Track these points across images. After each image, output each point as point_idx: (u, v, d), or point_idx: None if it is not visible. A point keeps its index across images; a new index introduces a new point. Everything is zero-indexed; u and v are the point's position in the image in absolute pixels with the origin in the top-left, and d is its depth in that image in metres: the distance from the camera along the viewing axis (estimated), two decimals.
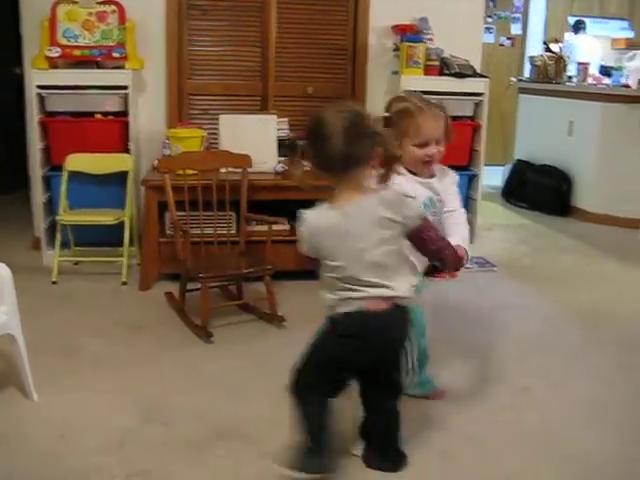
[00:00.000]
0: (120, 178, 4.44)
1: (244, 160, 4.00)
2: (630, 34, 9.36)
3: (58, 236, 4.36)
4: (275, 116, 4.59)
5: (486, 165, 5.09)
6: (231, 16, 4.97)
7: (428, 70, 4.84)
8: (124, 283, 4.27)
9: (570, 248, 5.54)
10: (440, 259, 2.39)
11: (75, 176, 4.41)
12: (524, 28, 9.34)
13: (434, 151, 2.61)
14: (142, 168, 4.73)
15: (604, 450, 2.59)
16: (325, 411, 2.31)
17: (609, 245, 5.59)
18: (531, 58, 7.70)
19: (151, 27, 4.77)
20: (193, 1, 4.89)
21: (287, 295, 3.90)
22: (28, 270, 4.42)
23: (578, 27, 8.95)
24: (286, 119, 4.69)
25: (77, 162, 4.40)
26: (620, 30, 9.39)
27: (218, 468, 2.41)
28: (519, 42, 9.35)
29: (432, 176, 2.69)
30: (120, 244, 4.35)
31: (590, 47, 8.74)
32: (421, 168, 2.65)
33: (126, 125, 4.55)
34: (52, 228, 4.55)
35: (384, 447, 2.45)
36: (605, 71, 7.71)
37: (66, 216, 4.37)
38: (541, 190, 6.74)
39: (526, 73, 8.32)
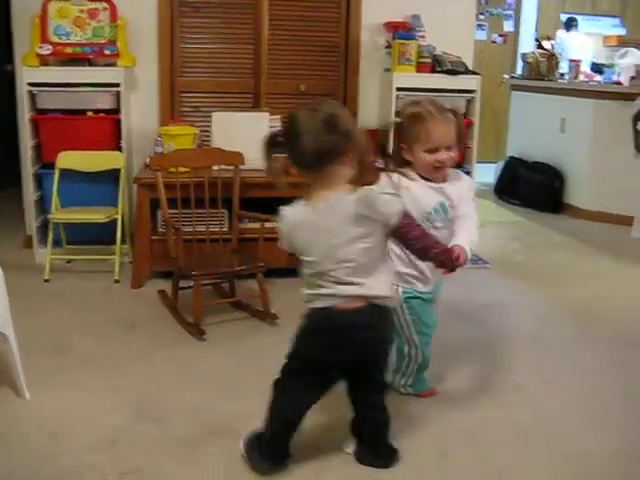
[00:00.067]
0: (112, 176, 4.43)
1: (236, 157, 3.99)
2: (622, 31, 9.39)
3: (50, 234, 4.34)
4: (267, 113, 4.57)
5: (478, 162, 5.10)
6: (223, 13, 4.96)
7: (420, 67, 4.84)
8: (116, 281, 4.26)
9: (563, 245, 5.55)
10: (429, 258, 2.39)
11: (67, 174, 4.40)
12: (516, 25, 9.35)
13: (445, 156, 2.59)
14: (134, 166, 4.73)
15: (598, 447, 2.60)
16: (295, 412, 2.34)
17: (602, 242, 5.60)
18: (523, 55, 7.72)
19: (143, 24, 4.76)
20: None
21: (280, 292, 3.90)
22: (20, 268, 4.41)
23: (570, 24, 8.98)
24: (278, 116, 4.67)
25: (68, 160, 4.39)
26: (612, 27, 9.42)
27: (211, 466, 2.40)
28: (511, 39, 9.37)
29: (445, 181, 2.66)
30: (112, 242, 4.34)
31: (582, 44, 8.77)
32: (433, 173, 2.63)
33: (118, 123, 4.54)
34: (44, 226, 4.54)
35: (375, 443, 2.46)
36: (597, 68, 7.73)
37: (58, 214, 4.36)
38: (533, 187, 6.75)
39: (518, 70, 8.33)
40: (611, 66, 7.05)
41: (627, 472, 2.47)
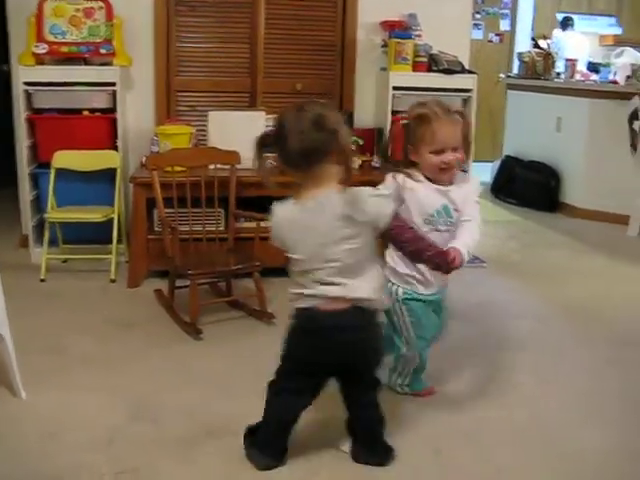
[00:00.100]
0: (108, 175, 4.43)
1: (232, 157, 3.98)
2: (618, 30, 9.40)
3: (46, 234, 4.33)
4: (264, 112, 4.57)
5: (475, 161, 5.07)
6: (219, 12, 4.95)
7: (416, 66, 4.85)
8: (113, 281, 4.25)
9: (559, 244, 5.56)
10: (422, 261, 2.39)
11: (63, 173, 4.39)
12: (513, 24, 9.36)
13: (450, 158, 2.56)
14: (130, 165, 4.72)
15: (595, 446, 2.60)
16: (289, 413, 2.36)
17: (598, 241, 5.61)
18: (519, 54, 7.72)
19: (139, 23, 4.75)
20: None
21: (276, 292, 3.89)
22: (16, 268, 4.41)
23: (566, 24, 8.98)
24: (275, 116, 4.66)
25: (64, 159, 4.38)
26: (608, 27, 9.43)
27: (207, 465, 2.40)
28: (507, 38, 9.37)
29: (451, 183, 2.63)
30: (108, 241, 4.33)
31: (578, 44, 8.77)
32: (438, 175, 2.60)
33: (114, 122, 4.53)
34: (40, 226, 4.53)
35: (369, 442, 2.46)
36: (593, 67, 7.74)
37: (54, 214, 4.35)
38: (530, 186, 6.76)
39: (514, 69, 8.34)
40: (607, 65, 7.07)
41: (624, 471, 2.47)
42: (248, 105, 5.04)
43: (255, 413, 2.41)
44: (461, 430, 2.68)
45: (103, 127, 4.54)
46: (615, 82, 6.61)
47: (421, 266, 2.60)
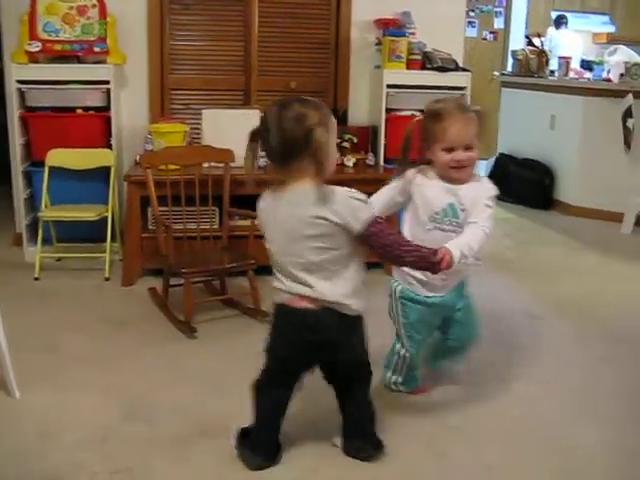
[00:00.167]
0: (102, 173, 4.42)
1: (226, 155, 3.98)
2: (611, 28, 9.42)
3: (40, 232, 4.32)
4: (258, 111, 4.55)
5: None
6: (213, 10, 4.95)
7: (410, 64, 4.84)
8: (107, 279, 4.25)
9: (553, 241, 5.57)
10: (405, 265, 2.36)
11: (57, 172, 4.38)
12: (507, 22, 9.36)
13: (462, 156, 2.52)
14: (124, 163, 4.71)
15: (589, 442, 2.61)
16: (275, 407, 2.39)
17: (592, 238, 5.62)
18: (513, 52, 7.73)
19: (132, 21, 4.74)
20: None
21: (270, 290, 3.84)
22: (10, 266, 4.41)
23: (560, 22, 9.00)
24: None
25: (58, 157, 4.37)
26: (601, 25, 9.46)
27: (202, 464, 2.40)
28: (502, 36, 9.38)
29: (463, 183, 2.58)
30: (103, 240, 4.33)
31: (572, 41, 8.79)
32: (450, 173, 2.56)
33: (108, 120, 4.52)
34: (34, 224, 4.52)
35: (358, 436, 2.46)
36: (586, 65, 7.76)
37: (48, 212, 4.34)
38: (524, 184, 6.76)
39: (508, 67, 8.35)
40: (600, 63, 7.08)
41: (618, 468, 2.48)
42: (242, 103, 5.04)
43: (249, 411, 2.41)
44: (456, 428, 2.68)
45: (97, 125, 4.53)
46: (609, 80, 6.63)
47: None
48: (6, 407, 2.74)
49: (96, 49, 4.46)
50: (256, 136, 2.25)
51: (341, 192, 2.16)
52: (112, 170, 4.41)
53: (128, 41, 4.70)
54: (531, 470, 2.45)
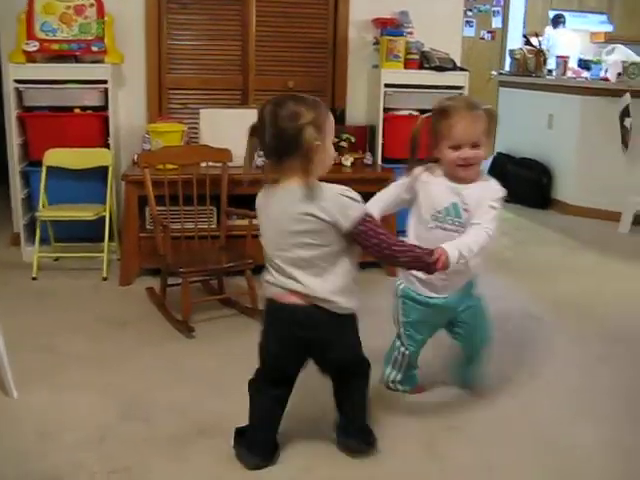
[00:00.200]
0: (100, 173, 4.42)
1: (224, 154, 3.98)
2: (609, 28, 9.43)
3: (38, 232, 4.32)
4: (256, 110, 4.54)
5: None
6: (211, 10, 4.95)
7: (408, 64, 4.85)
8: (104, 279, 4.24)
9: (551, 241, 5.57)
10: (398, 264, 2.33)
11: (54, 171, 4.38)
12: (504, 22, 9.37)
13: (469, 154, 2.48)
14: (122, 163, 4.71)
15: (586, 441, 2.61)
16: (270, 406, 2.40)
17: (589, 238, 5.62)
18: (511, 52, 7.73)
19: (130, 21, 4.74)
20: None
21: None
22: (7, 266, 4.41)
23: (557, 21, 9.01)
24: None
25: (56, 157, 4.37)
26: (599, 24, 9.46)
27: (199, 464, 2.40)
28: (499, 36, 9.39)
29: (469, 182, 2.54)
30: (100, 239, 4.32)
31: (569, 41, 8.79)
32: (457, 171, 2.52)
33: (106, 120, 4.52)
34: (32, 224, 4.52)
35: (350, 428, 2.48)
36: (584, 65, 7.76)
37: (45, 212, 4.33)
38: (521, 183, 6.76)
39: (506, 66, 8.35)
40: (598, 62, 7.08)
41: (615, 467, 2.48)
42: (240, 103, 5.04)
43: (247, 411, 2.41)
44: (453, 426, 2.68)
45: (95, 125, 4.52)
46: (606, 79, 6.63)
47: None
48: (4, 407, 2.74)
49: (94, 48, 4.46)
50: (254, 132, 2.26)
51: (331, 189, 2.16)
52: (110, 170, 4.41)
53: (126, 40, 4.70)
54: (529, 470, 2.45)
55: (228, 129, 4.28)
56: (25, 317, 3.62)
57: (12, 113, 4.43)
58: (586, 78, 7.10)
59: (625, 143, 5.92)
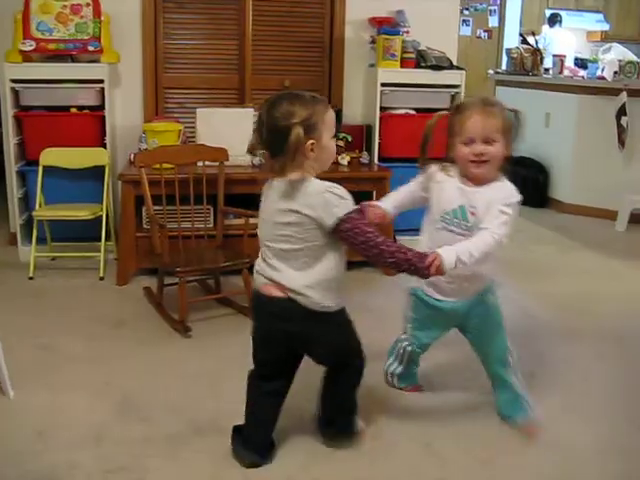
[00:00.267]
0: (97, 173, 4.41)
1: (221, 153, 3.98)
2: (605, 27, 9.45)
3: (34, 232, 4.31)
4: (252, 109, 4.57)
5: None
6: (207, 9, 4.95)
7: (404, 63, 4.85)
8: (101, 278, 4.24)
9: (548, 239, 5.58)
10: (387, 265, 2.27)
11: (51, 171, 4.38)
12: (501, 20, 9.37)
13: (480, 149, 2.39)
14: (119, 162, 4.71)
15: (583, 440, 2.62)
16: (264, 402, 2.42)
17: (586, 236, 5.63)
18: (508, 50, 7.74)
19: (126, 20, 4.74)
20: None
21: None
22: (4, 266, 4.41)
23: (554, 20, 9.02)
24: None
25: (52, 157, 4.37)
26: (595, 23, 9.48)
27: (195, 463, 2.40)
28: (496, 35, 9.39)
29: (482, 183, 2.45)
30: (97, 239, 4.32)
31: (566, 40, 8.81)
32: (469, 169, 2.44)
33: (102, 119, 4.51)
34: (28, 224, 4.52)
35: (331, 424, 2.53)
36: (581, 63, 7.77)
37: (42, 211, 4.33)
38: (518, 182, 6.73)
39: (503, 65, 8.36)
40: (595, 61, 7.09)
41: (611, 466, 2.48)
42: (237, 102, 5.04)
43: (244, 410, 2.41)
44: (450, 425, 2.69)
45: (91, 124, 4.52)
46: (603, 78, 6.64)
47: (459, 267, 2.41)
48: (0, 407, 2.74)
49: (90, 48, 4.45)
50: (256, 128, 2.29)
51: (319, 186, 2.18)
52: (106, 169, 4.41)
53: (122, 40, 4.70)
54: (528, 469, 2.46)
55: (225, 128, 4.31)
56: (22, 317, 3.62)
57: (8, 112, 4.42)
58: (583, 77, 7.12)
59: (621, 142, 5.93)
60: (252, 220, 3.83)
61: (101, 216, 4.32)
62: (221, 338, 3.46)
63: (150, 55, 4.87)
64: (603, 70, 6.87)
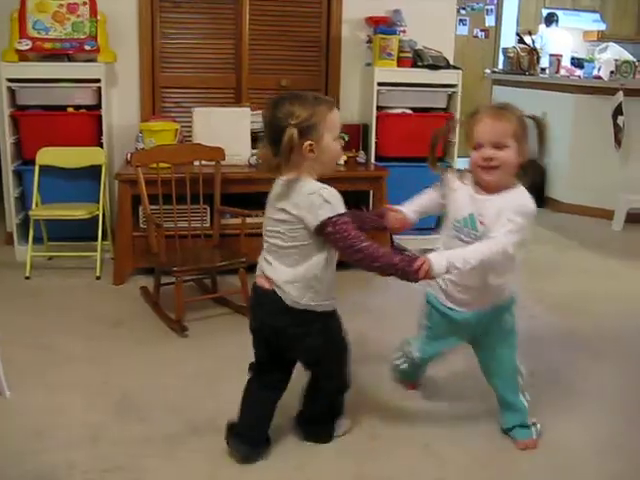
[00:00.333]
0: (93, 172, 4.41)
1: (217, 153, 3.98)
2: (602, 26, 9.44)
3: (31, 231, 4.31)
4: (249, 109, 4.57)
5: (460, 157, 5.10)
6: (204, 8, 4.94)
7: (401, 62, 4.85)
8: (98, 278, 4.24)
9: (544, 239, 5.58)
10: (373, 270, 2.24)
11: (48, 170, 4.37)
12: (498, 20, 9.37)
13: (489, 154, 2.31)
14: (115, 162, 4.70)
15: (580, 440, 2.62)
16: (260, 395, 2.44)
17: (583, 236, 5.64)
18: (504, 50, 7.74)
19: (123, 19, 4.74)
20: None
21: None
22: (0, 266, 4.40)
23: (550, 19, 9.02)
24: (260, 112, 4.66)
25: (49, 156, 4.36)
26: (592, 22, 9.47)
27: (193, 463, 2.40)
28: (493, 34, 9.39)
29: (495, 191, 2.37)
30: (94, 238, 4.32)
31: (562, 39, 8.81)
32: (480, 174, 2.36)
33: (99, 119, 4.51)
34: (25, 223, 4.51)
35: (307, 423, 2.55)
36: (577, 63, 7.77)
37: (38, 211, 4.33)
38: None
39: (500, 65, 8.36)
40: (591, 61, 7.09)
41: (608, 466, 2.49)
42: (234, 101, 5.03)
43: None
44: (448, 425, 2.69)
45: (88, 124, 4.52)
46: (599, 77, 6.64)
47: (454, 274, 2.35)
48: None
49: (87, 47, 4.45)
50: (263, 127, 2.35)
51: (308, 187, 2.19)
52: (103, 169, 4.41)
53: (119, 39, 4.70)
54: (527, 469, 2.46)
55: (221, 128, 4.32)
56: (18, 316, 3.61)
57: (5, 112, 4.42)
58: (579, 76, 7.12)
59: (618, 141, 5.94)
60: (249, 220, 3.85)
61: (98, 215, 4.32)
62: (218, 338, 3.46)
63: (147, 54, 4.87)
64: (599, 70, 6.87)
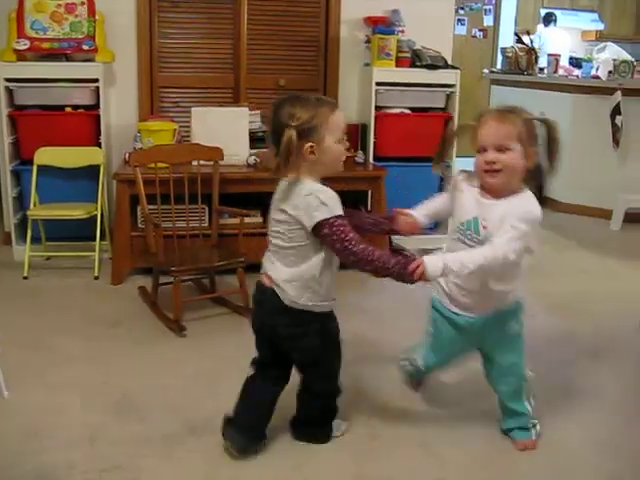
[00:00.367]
0: (91, 172, 4.41)
1: (216, 153, 3.98)
2: (600, 26, 9.45)
3: (29, 231, 4.30)
4: (247, 108, 4.57)
5: (458, 157, 5.10)
6: (202, 8, 4.94)
7: (400, 62, 4.85)
8: (96, 278, 4.24)
9: (543, 239, 5.57)
10: (366, 272, 2.24)
11: (46, 170, 4.37)
12: (496, 20, 9.37)
13: (491, 157, 2.26)
14: (114, 162, 4.69)
15: (578, 439, 2.62)
16: (258, 388, 2.46)
17: (581, 235, 5.64)
18: (503, 50, 7.74)
19: (121, 19, 4.74)
20: None
21: None
22: None
23: (549, 19, 9.03)
24: (258, 111, 4.68)
25: (47, 156, 4.36)
26: (590, 22, 9.49)
27: (191, 463, 2.40)
28: (491, 34, 9.39)
29: (500, 196, 2.33)
30: (92, 238, 4.32)
31: (561, 39, 8.82)
32: (484, 179, 2.33)
33: (97, 118, 4.50)
34: (23, 223, 4.51)
35: (299, 424, 2.55)
36: (575, 63, 7.78)
37: (36, 211, 4.32)
38: None
39: (498, 65, 8.36)
40: (589, 60, 7.10)
41: (606, 466, 2.49)
42: (232, 101, 5.03)
43: None
44: (448, 425, 2.69)
45: (86, 124, 4.52)
46: (597, 77, 6.65)
47: (451, 278, 2.39)
48: None
49: (85, 47, 4.44)
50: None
51: (307, 188, 2.20)
52: (101, 168, 4.40)
53: (117, 39, 4.69)
54: (526, 469, 2.46)
55: (220, 128, 4.31)
56: (16, 316, 3.61)
57: (3, 112, 4.41)
58: (577, 76, 7.12)
59: (616, 141, 5.94)
60: (247, 219, 3.85)
61: (96, 215, 4.31)
62: (216, 337, 3.46)
63: (145, 54, 4.87)
64: (598, 69, 6.87)
